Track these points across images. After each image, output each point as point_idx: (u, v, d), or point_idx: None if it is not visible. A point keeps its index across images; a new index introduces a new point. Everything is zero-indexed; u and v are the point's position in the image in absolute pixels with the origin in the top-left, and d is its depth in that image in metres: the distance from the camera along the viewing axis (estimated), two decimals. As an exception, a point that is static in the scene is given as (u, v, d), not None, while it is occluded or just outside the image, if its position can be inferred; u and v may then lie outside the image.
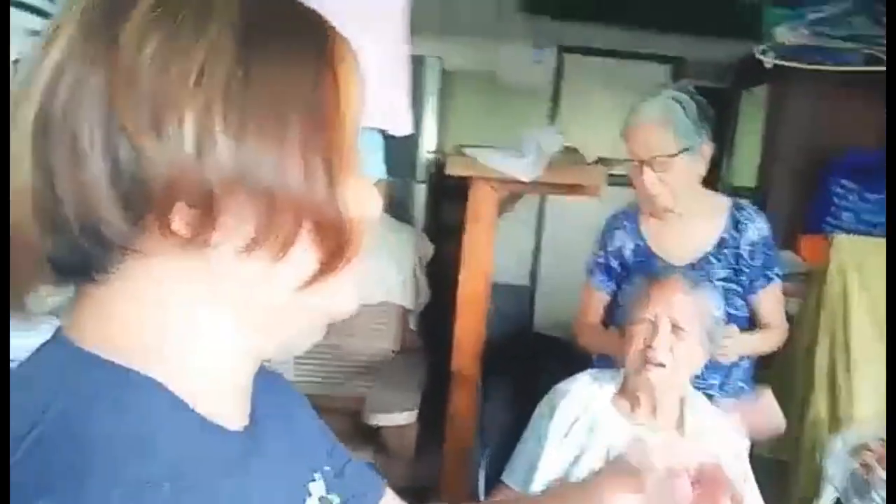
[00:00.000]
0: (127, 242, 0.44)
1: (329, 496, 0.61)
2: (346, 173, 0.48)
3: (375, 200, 0.52)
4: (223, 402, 0.51)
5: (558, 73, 4.27)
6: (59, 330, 0.48)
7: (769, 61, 2.52)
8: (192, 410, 0.48)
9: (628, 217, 1.89)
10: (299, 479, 0.59)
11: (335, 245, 0.48)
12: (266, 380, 0.58)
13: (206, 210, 0.43)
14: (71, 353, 0.45)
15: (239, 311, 0.49)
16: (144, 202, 0.42)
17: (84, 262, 0.44)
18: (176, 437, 0.45)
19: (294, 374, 2.74)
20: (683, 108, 1.70)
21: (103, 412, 0.43)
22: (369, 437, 2.33)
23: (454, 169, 2.17)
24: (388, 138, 1.68)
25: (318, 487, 0.60)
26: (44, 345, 0.48)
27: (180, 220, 0.43)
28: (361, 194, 0.51)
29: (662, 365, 1.42)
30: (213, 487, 0.46)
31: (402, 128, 1.62)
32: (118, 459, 0.41)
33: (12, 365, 0.47)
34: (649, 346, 1.43)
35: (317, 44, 0.47)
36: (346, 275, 0.50)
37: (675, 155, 1.68)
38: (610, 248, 1.90)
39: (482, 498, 1.70)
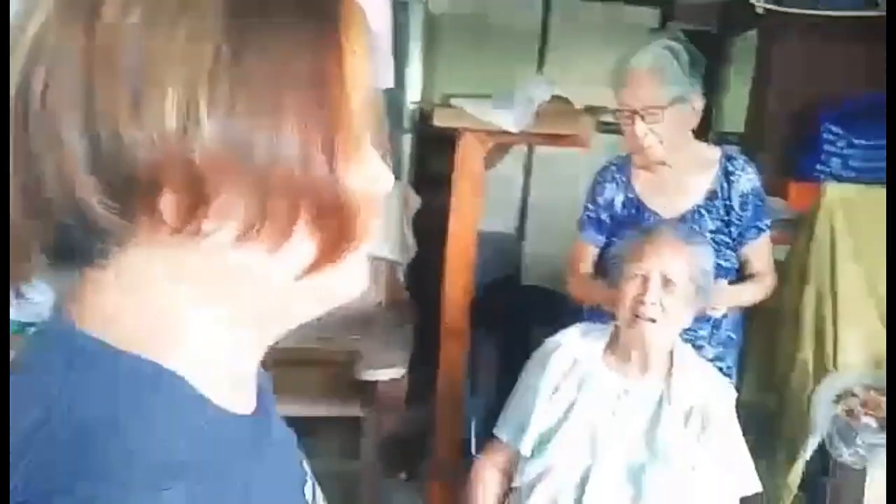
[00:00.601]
0: (115, 230, 0.41)
1: (311, 480, 0.61)
2: (352, 150, 0.44)
3: (385, 177, 0.49)
4: (232, 387, 0.49)
5: (546, 18, 4.18)
6: (60, 313, 0.46)
7: (761, 6, 2.46)
8: (205, 397, 0.46)
9: (619, 169, 1.87)
10: (297, 458, 0.59)
11: (336, 231, 0.45)
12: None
13: (195, 196, 0.40)
14: (76, 342, 0.44)
15: (238, 300, 0.46)
16: (129, 188, 0.40)
17: (78, 248, 0.42)
18: (191, 424, 0.44)
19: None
20: (676, 57, 1.66)
21: (115, 404, 0.41)
22: (359, 390, 2.35)
23: (442, 120, 2.13)
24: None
25: (306, 467, 0.61)
26: (46, 330, 0.46)
27: (168, 207, 0.41)
28: (370, 172, 0.47)
29: (653, 320, 1.42)
30: (230, 473, 0.45)
31: (384, 80, 1.57)
32: (134, 452, 0.40)
33: (12, 354, 0.46)
34: (640, 301, 1.43)
35: (321, 10, 0.43)
36: (353, 258, 0.47)
37: (667, 106, 1.65)
38: (600, 201, 1.88)
39: (473, 450, 1.73)
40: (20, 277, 0.44)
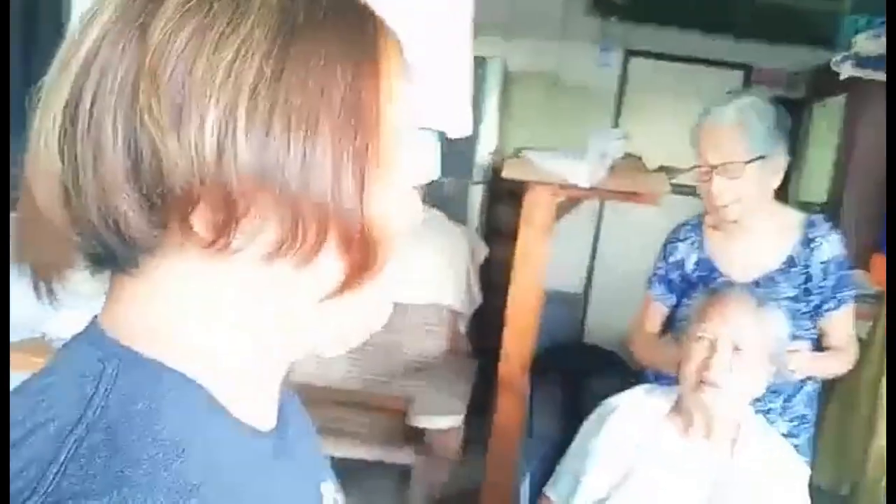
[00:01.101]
0: (147, 241, 0.42)
1: (336, 496, 0.61)
2: (384, 180, 0.45)
3: (415, 210, 0.50)
4: (253, 402, 0.50)
5: (623, 77, 4.19)
6: (95, 320, 0.47)
7: (846, 71, 2.40)
8: (227, 411, 0.47)
9: (692, 229, 1.82)
10: (317, 479, 0.59)
11: (361, 258, 0.45)
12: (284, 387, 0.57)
13: (228, 213, 0.41)
14: (109, 347, 0.45)
15: (263, 316, 0.47)
16: (165, 202, 0.41)
17: (112, 254, 0.43)
18: (212, 437, 0.45)
19: (342, 370, 2.75)
20: (759, 113, 1.62)
21: (142, 412, 0.42)
22: (412, 438, 2.32)
23: (511, 172, 2.13)
24: (445, 138, 1.66)
25: (328, 488, 0.60)
26: (79, 335, 0.47)
27: (201, 221, 0.42)
28: (401, 203, 0.48)
29: (719, 386, 1.36)
30: (247, 488, 0.45)
31: (461, 129, 1.59)
32: (158, 462, 0.40)
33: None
34: (706, 366, 1.37)
35: (360, 39, 0.44)
36: (375, 288, 0.48)
37: (748, 162, 1.60)
38: (671, 260, 1.83)
39: (524, 509, 1.67)
40: (54, 272, 0.46)
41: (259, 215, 0.42)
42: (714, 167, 1.63)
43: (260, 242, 0.43)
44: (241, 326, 0.47)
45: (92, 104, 0.40)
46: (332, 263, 0.45)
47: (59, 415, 0.40)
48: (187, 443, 0.42)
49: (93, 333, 0.46)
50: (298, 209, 0.42)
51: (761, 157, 1.61)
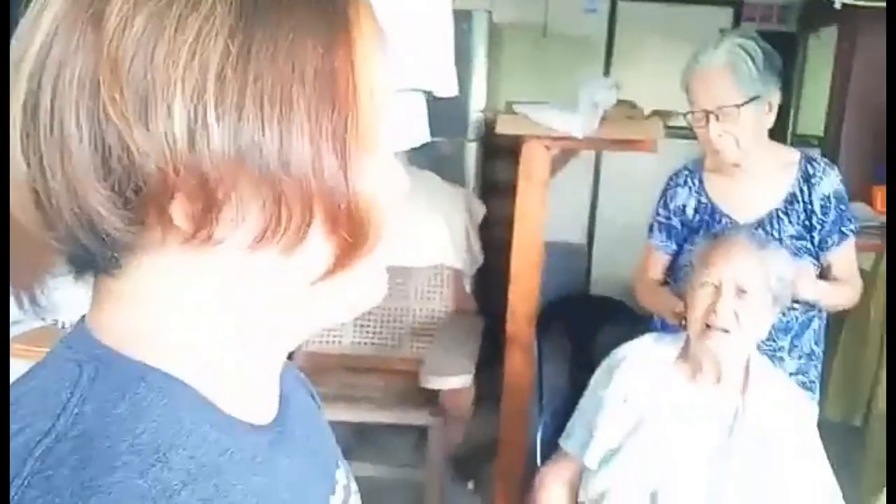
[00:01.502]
0: (126, 238, 0.41)
1: (350, 485, 0.60)
2: (367, 153, 0.44)
3: (400, 180, 0.48)
4: (247, 396, 0.49)
5: (612, 22, 4.12)
6: (81, 322, 0.46)
7: (838, 1, 2.36)
8: (216, 409, 0.46)
9: (691, 173, 1.81)
10: (328, 468, 0.58)
11: (350, 236, 0.44)
12: (292, 374, 0.56)
13: (207, 201, 0.40)
14: (92, 350, 0.43)
15: (252, 307, 0.46)
16: (140, 196, 0.39)
17: (91, 256, 0.42)
18: (200, 437, 0.43)
19: (352, 336, 2.77)
20: (750, 55, 1.60)
21: (120, 417, 0.41)
22: (426, 399, 2.35)
23: (505, 127, 2.11)
24: (435, 97, 1.64)
25: (341, 475, 0.59)
26: (64, 338, 0.46)
27: (180, 213, 0.40)
28: (386, 174, 0.46)
29: (726, 330, 1.36)
30: (239, 487, 0.44)
31: (447, 88, 1.57)
32: (133, 468, 0.39)
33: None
34: (712, 311, 1.37)
35: (328, 8, 0.42)
36: (369, 263, 0.46)
37: (742, 105, 1.59)
38: (672, 207, 1.82)
39: (539, 461, 1.69)
40: (32, 280, 0.45)
41: (240, 202, 0.40)
42: (708, 112, 1.61)
43: (243, 230, 0.41)
44: (228, 319, 0.45)
45: (52, 102, 0.38)
46: (320, 245, 0.43)
47: (30, 424, 0.39)
48: (169, 445, 0.41)
49: (76, 336, 0.45)
50: (280, 192, 0.40)
51: (755, 99, 1.59)
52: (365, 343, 2.77)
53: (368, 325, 2.79)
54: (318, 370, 2.47)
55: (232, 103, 0.39)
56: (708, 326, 1.38)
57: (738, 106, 1.59)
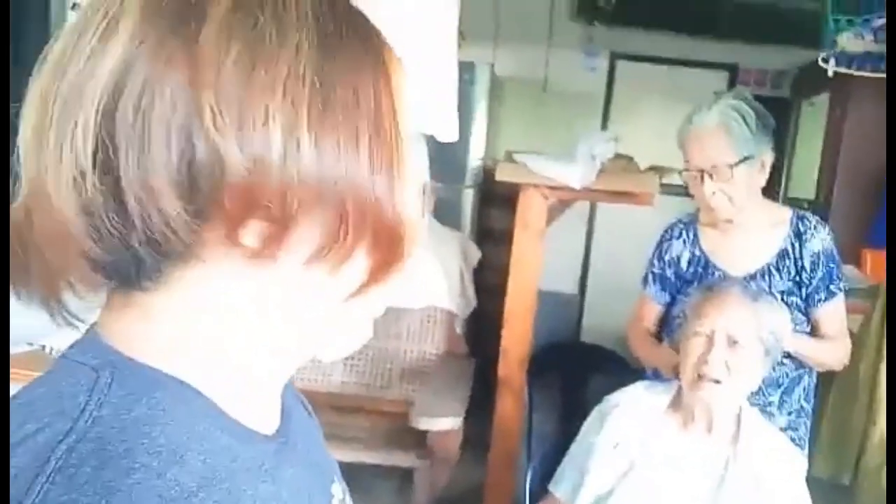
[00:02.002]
0: (184, 253, 0.43)
1: (346, 499, 0.61)
2: (403, 181, 0.47)
3: (424, 206, 0.52)
4: (259, 406, 0.50)
5: (611, 80, 4.23)
6: (92, 329, 0.47)
7: (832, 69, 2.44)
8: (228, 416, 0.47)
9: (686, 226, 1.85)
10: (325, 482, 0.59)
11: (388, 252, 0.47)
12: (290, 389, 0.58)
13: (283, 223, 0.42)
14: (104, 357, 0.44)
15: (289, 320, 0.48)
16: (216, 212, 0.41)
17: (133, 267, 0.43)
18: (212, 443, 0.44)
19: (341, 375, 2.76)
20: (743, 115, 1.65)
21: (137, 420, 0.42)
22: (414, 441, 2.33)
23: (504, 175, 2.15)
24: (437, 144, 1.68)
25: (337, 490, 0.60)
26: (75, 344, 0.47)
27: (254, 232, 0.42)
28: (415, 198, 0.50)
29: (718, 381, 1.38)
30: (250, 492, 0.45)
31: (449, 134, 1.61)
32: (151, 470, 0.40)
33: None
34: (704, 361, 1.39)
35: (373, 50, 0.46)
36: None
37: (735, 164, 1.63)
38: (666, 258, 1.86)
39: (527, 507, 1.68)
40: (59, 287, 0.45)
41: (308, 223, 0.43)
42: (703, 170, 1.66)
43: (300, 248, 0.44)
44: (266, 332, 0.47)
45: (136, 113, 0.40)
46: (361, 262, 0.46)
47: (50, 425, 0.40)
48: (185, 449, 0.42)
49: (89, 342, 0.46)
50: (345, 215, 0.44)
51: (748, 158, 1.64)
52: (354, 382, 2.76)
53: (358, 365, 2.78)
54: (306, 408, 2.45)
55: (317, 129, 0.42)
56: (700, 376, 1.40)
57: (731, 165, 1.63)
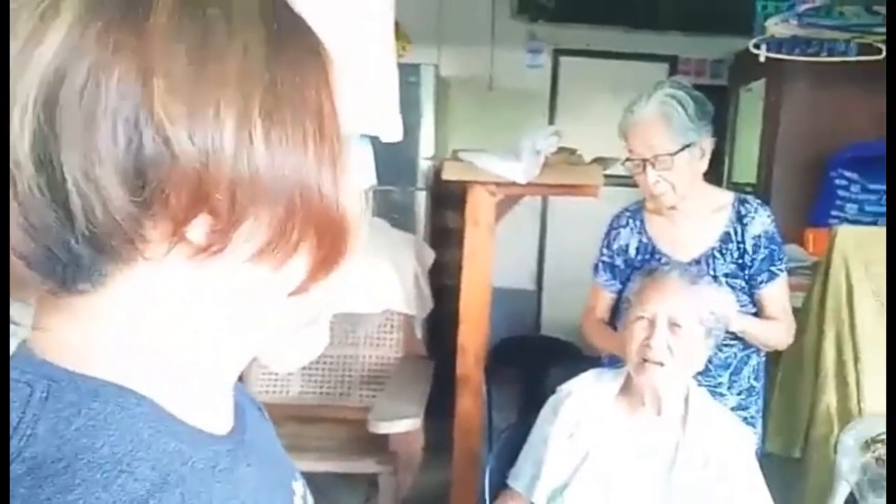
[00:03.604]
0: (129, 248, 0.41)
1: (307, 496, 0.61)
2: (345, 177, 0.48)
3: (361, 202, 0.52)
4: (209, 406, 0.50)
5: (555, 77, 4.27)
6: (23, 343, 0.45)
7: (763, 55, 2.50)
8: (176, 419, 0.46)
9: (633, 215, 1.88)
10: (285, 479, 0.58)
11: (332, 251, 0.47)
12: (239, 387, 0.56)
13: (231, 219, 0.42)
14: (37, 370, 0.43)
15: (233, 319, 0.47)
16: (162, 206, 0.40)
17: (70, 268, 0.41)
18: (160, 450, 0.43)
19: (299, 386, 2.74)
20: (681, 104, 1.68)
21: (77, 434, 0.40)
22: (377, 446, 2.32)
23: (450, 174, 2.16)
24: (387, 147, 1.67)
25: (299, 487, 0.60)
26: (12, 359, 0.45)
27: (201, 228, 0.42)
28: (354, 194, 0.51)
29: (661, 363, 1.40)
30: (204, 495, 0.44)
31: (392, 133, 1.61)
32: (96, 483, 0.39)
33: None
34: (647, 345, 1.41)
35: (315, 52, 0.47)
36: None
37: (676, 152, 1.67)
38: (614, 247, 1.88)
39: (488, 501, 1.69)
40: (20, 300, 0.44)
41: (254, 218, 0.43)
42: (645, 160, 1.69)
43: (245, 245, 0.44)
44: (208, 331, 0.47)
45: (80, 103, 0.38)
46: (303, 260, 0.46)
47: None
48: (131, 458, 0.41)
49: (21, 356, 0.44)
50: (292, 210, 0.44)
51: (688, 146, 1.67)
52: (313, 392, 2.74)
53: (316, 374, 2.76)
54: (266, 420, 2.42)
55: (267, 124, 0.42)
56: (644, 360, 1.42)
57: (672, 154, 1.67)
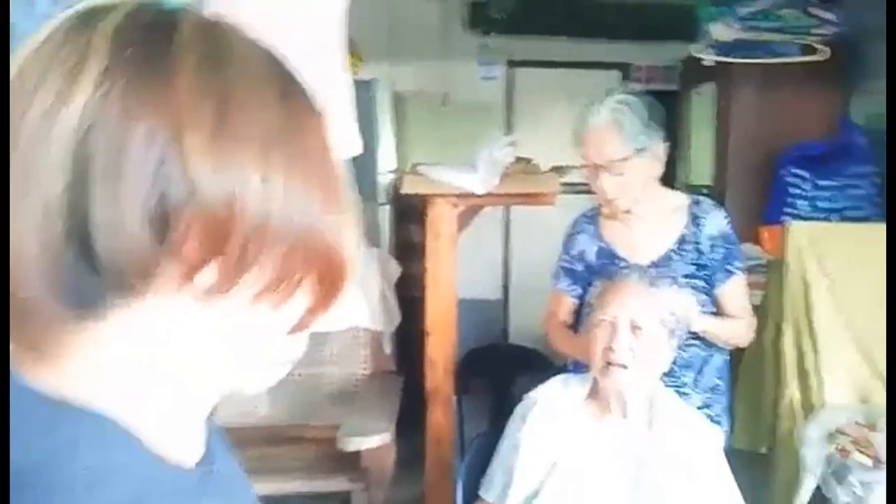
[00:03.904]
0: (139, 285, 0.42)
1: None
2: (345, 218, 0.49)
3: (356, 237, 0.53)
4: (184, 435, 0.50)
5: (510, 88, 4.32)
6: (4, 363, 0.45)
7: (707, 59, 2.56)
8: (146, 446, 0.46)
9: (589, 220, 1.90)
10: None
11: (331, 289, 0.48)
12: (208, 420, 0.57)
13: (240, 265, 0.43)
14: (17, 396, 0.43)
15: (227, 354, 0.48)
16: (182, 252, 0.42)
17: (82, 300, 0.42)
18: (133, 474, 0.44)
19: (268, 407, 2.70)
20: (632, 110, 1.71)
21: (54, 456, 0.41)
22: (347, 464, 2.30)
23: (409, 187, 2.17)
24: (346, 163, 1.66)
25: None
26: None
27: (210, 273, 0.43)
28: (351, 235, 0.51)
29: (624, 366, 1.42)
30: None
31: (351, 148, 1.60)
32: (72, 499, 0.40)
33: None
34: (610, 349, 1.43)
35: (312, 103, 0.48)
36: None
37: (628, 158, 1.69)
38: (573, 252, 1.90)
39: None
40: None
41: (262, 261, 0.44)
42: (599, 166, 1.71)
43: (251, 286, 0.44)
44: (202, 367, 0.47)
45: (107, 152, 0.40)
46: (302, 299, 0.47)
47: None
48: (102, 483, 0.42)
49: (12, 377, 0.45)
50: (298, 252, 0.45)
51: (640, 151, 1.70)
52: (281, 413, 2.71)
53: (284, 395, 2.72)
54: (234, 444, 2.39)
55: (285, 179, 0.44)
56: (608, 364, 1.43)
57: (624, 159, 1.69)
